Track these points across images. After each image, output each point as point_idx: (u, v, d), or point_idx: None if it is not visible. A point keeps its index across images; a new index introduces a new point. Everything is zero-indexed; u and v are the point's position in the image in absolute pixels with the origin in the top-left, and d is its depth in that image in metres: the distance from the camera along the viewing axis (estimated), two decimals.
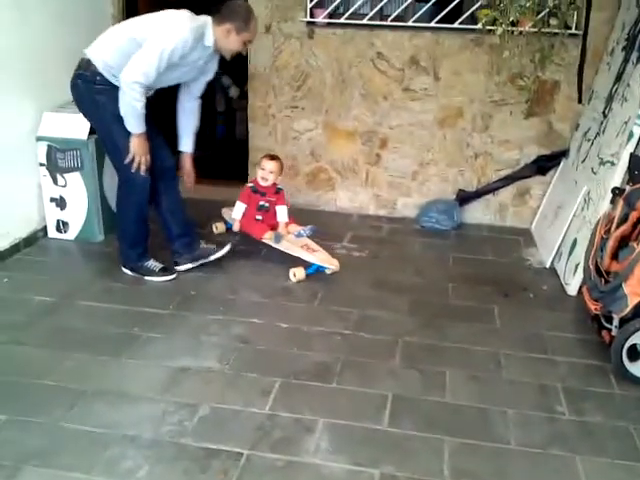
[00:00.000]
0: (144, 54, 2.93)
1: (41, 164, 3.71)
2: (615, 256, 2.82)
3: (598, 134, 3.66)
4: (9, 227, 3.58)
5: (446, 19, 4.13)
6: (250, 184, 3.81)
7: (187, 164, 3.57)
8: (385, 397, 2.46)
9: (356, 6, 4.21)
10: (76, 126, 3.56)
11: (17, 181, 3.64)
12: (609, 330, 2.74)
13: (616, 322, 2.68)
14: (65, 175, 3.71)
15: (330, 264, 3.50)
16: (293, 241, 3.65)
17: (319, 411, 2.36)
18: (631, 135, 3.16)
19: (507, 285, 3.49)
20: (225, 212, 4.07)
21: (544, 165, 4.27)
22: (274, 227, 3.75)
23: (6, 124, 3.49)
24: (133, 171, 3.15)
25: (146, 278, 3.36)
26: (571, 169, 4.00)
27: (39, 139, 3.67)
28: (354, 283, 3.45)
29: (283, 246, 3.61)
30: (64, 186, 3.73)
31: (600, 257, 2.89)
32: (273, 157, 3.80)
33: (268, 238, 3.67)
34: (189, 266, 3.48)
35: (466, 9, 4.12)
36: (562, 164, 4.20)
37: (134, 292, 3.24)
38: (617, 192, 3.04)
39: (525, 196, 4.39)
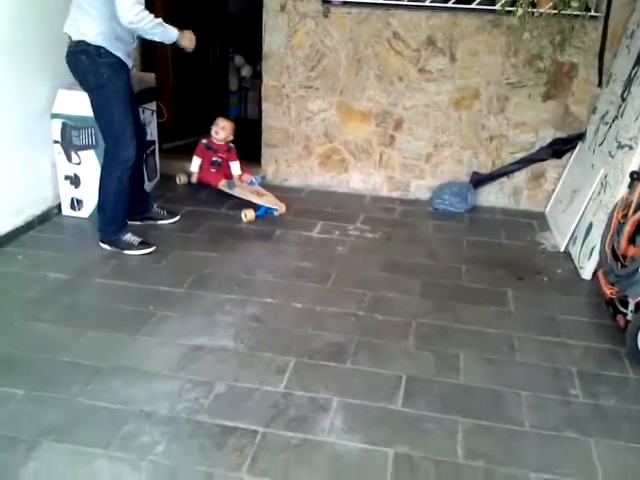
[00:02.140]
0: None
1: (55, 141, 3.71)
2: (632, 240, 2.81)
3: (616, 117, 3.61)
4: (23, 204, 3.59)
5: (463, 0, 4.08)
6: (204, 141, 4.24)
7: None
8: (399, 378, 2.47)
9: None
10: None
11: (32, 159, 3.64)
12: (624, 314, 2.73)
13: (632, 306, 2.67)
14: (80, 153, 3.71)
15: (277, 205, 3.97)
16: (245, 188, 4.14)
17: (333, 390, 2.37)
18: None
19: (521, 268, 3.48)
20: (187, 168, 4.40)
21: (560, 148, 4.23)
22: (228, 177, 4.21)
23: (21, 101, 3.49)
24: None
25: (125, 252, 3.40)
26: (588, 152, 3.96)
27: (54, 116, 3.66)
28: (367, 265, 3.45)
29: (236, 192, 4.11)
30: (78, 164, 3.73)
31: (617, 241, 2.87)
32: (227, 118, 4.34)
33: (222, 185, 4.16)
34: (136, 223, 3.70)
35: None
36: (578, 147, 4.17)
37: (148, 270, 3.26)
38: (635, 176, 3.02)
39: (540, 179, 4.36)
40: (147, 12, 3.02)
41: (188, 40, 3.32)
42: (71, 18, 3.14)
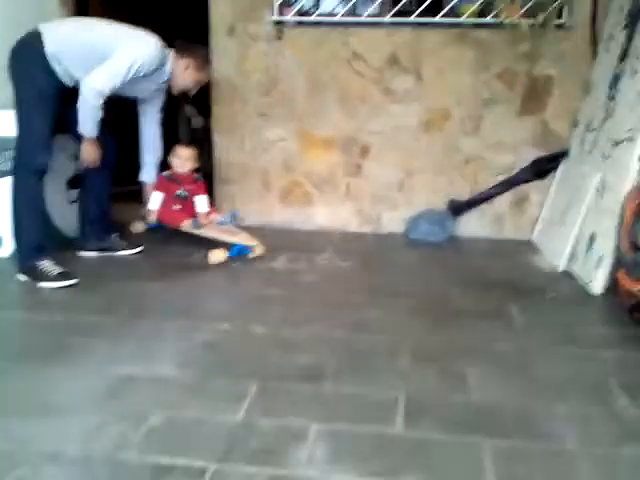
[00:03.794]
0: (114, 65, 2.88)
1: None
2: None
3: (605, 119, 3.28)
4: None
5: (425, 15, 3.80)
6: (165, 173, 3.56)
7: (149, 194, 3.50)
8: (394, 399, 1.88)
9: (327, 3, 3.86)
10: (12, 123, 3.04)
11: None
12: None
13: None
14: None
15: (253, 243, 3.37)
16: (214, 228, 3.49)
17: (309, 416, 1.77)
18: None
19: (520, 288, 2.99)
20: (143, 211, 3.62)
21: (543, 167, 3.86)
22: (194, 217, 3.50)
23: None
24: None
25: (40, 284, 2.81)
26: (574, 167, 3.59)
27: None
28: (341, 290, 2.92)
29: (203, 232, 3.44)
30: None
31: (638, 231, 2.42)
32: (187, 144, 3.72)
33: (187, 226, 3.46)
34: (93, 254, 3.33)
35: (446, 3, 3.80)
36: (562, 166, 3.80)
37: (74, 302, 2.64)
38: None
39: (524, 204, 3.95)
40: (103, 99, 2.89)
41: (87, 151, 3.03)
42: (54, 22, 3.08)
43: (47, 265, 2.83)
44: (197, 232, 3.45)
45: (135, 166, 3.50)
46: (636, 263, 2.35)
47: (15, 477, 1.47)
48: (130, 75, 2.91)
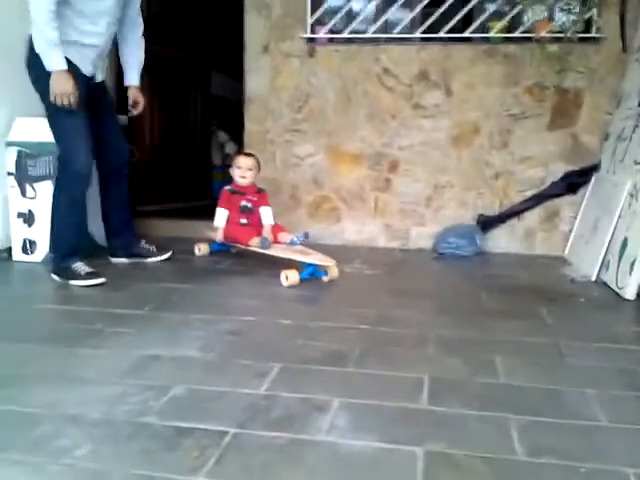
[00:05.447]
0: None
1: (9, 173, 3.27)
2: None
3: (637, 126, 3.25)
4: None
5: (455, 31, 3.86)
6: (227, 187, 3.46)
7: (134, 94, 3.28)
8: (420, 379, 1.85)
9: (359, 20, 3.94)
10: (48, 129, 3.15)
11: None
12: None
13: None
14: (35, 185, 3.25)
15: (328, 263, 3.02)
16: (285, 247, 3.24)
17: (333, 392, 1.74)
18: None
19: (550, 294, 2.93)
20: (208, 232, 3.52)
21: (574, 181, 3.82)
22: (261, 234, 3.30)
23: None
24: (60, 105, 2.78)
25: (70, 282, 2.86)
26: (606, 178, 3.55)
27: (9, 144, 3.25)
28: (367, 290, 2.90)
29: (272, 250, 3.17)
30: (33, 198, 3.27)
31: None
32: (248, 154, 3.60)
33: (255, 245, 3.21)
34: (124, 261, 3.31)
35: (476, 18, 3.87)
36: (593, 179, 3.76)
37: (104, 297, 2.68)
38: None
39: (554, 219, 3.90)
40: (50, 16, 2.65)
41: (56, 82, 2.75)
42: None
43: (79, 266, 2.88)
44: (266, 251, 3.18)
45: (194, 184, 3.48)
46: None
47: (38, 433, 1.47)
48: None
